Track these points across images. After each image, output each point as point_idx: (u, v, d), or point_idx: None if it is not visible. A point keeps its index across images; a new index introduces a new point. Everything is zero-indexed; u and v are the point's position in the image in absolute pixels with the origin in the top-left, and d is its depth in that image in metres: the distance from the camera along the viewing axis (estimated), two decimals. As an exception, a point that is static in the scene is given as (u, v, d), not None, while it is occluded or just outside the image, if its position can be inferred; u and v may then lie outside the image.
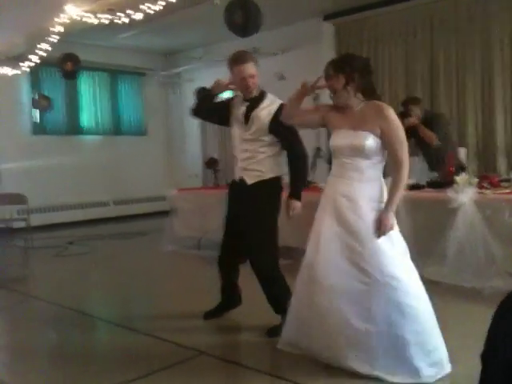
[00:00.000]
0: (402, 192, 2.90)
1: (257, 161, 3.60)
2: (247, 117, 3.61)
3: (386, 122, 2.89)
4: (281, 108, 3.47)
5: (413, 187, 5.05)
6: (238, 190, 3.72)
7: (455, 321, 3.76)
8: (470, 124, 7.76)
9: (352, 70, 2.92)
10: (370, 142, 2.88)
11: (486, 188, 4.64)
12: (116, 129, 11.03)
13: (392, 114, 2.92)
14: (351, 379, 2.83)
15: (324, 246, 2.94)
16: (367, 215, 2.88)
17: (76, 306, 4.57)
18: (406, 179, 2.91)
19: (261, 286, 3.65)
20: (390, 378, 2.80)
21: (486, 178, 4.87)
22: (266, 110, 3.59)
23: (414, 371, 2.79)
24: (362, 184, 2.93)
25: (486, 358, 1.63)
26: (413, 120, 5.59)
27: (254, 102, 3.62)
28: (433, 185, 5.09)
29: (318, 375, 2.89)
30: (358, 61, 3.01)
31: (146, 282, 5.52)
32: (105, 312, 4.65)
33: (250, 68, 3.57)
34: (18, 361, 3.39)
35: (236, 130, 3.71)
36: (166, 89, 11.90)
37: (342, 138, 2.99)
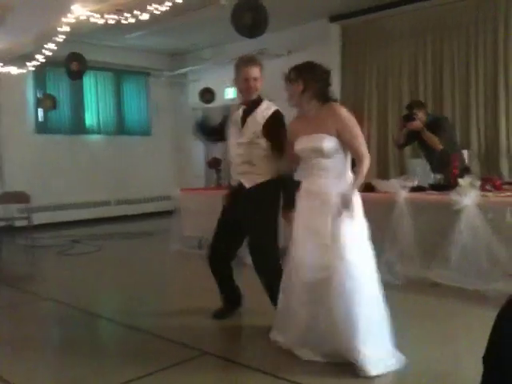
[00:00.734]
0: (363, 178, 3.12)
1: (253, 164, 3.66)
2: (244, 120, 3.69)
3: (340, 121, 3.07)
4: (275, 113, 3.65)
5: (415, 189, 5.07)
6: (236, 194, 3.79)
7: (458, 323, 3.77)
8: (473, 127, 7.77)
9: (312, 78, 3.10)
10: (328, 143, 3.07)
11: (489, 191, 4.65)
12: (121, 128, 11.05)
13: (345, 113, 3.11)
14: (357, 379, 2.85)
15: (298, 240, 3.19)
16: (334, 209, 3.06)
17: (81, 305, 4.59)
18: (367, 169, 3.10)
19: (263, 286, 3.69)
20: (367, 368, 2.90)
21: (489, 180, 4.87)
22: (262, 114, 3.67)
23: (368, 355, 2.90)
24: (328, 180, 3.12)
25: (488, 360, 1.65)
26: (416, 124, 5.60)
27: (251, 106, 3.70)
28: (436, 187, 5.10)
29: (321, 376, 2.91)
30: (318, 69, 3.16)
31: (150, 281, 5.54)
32: (110, 311, 4.68)
33: (255, 71, 3.68)
34: (24, 359, 3.40)
35: (232, 135, 3.77)
36: (172, 89, 11.93)
37: (303, 143, 3.17)
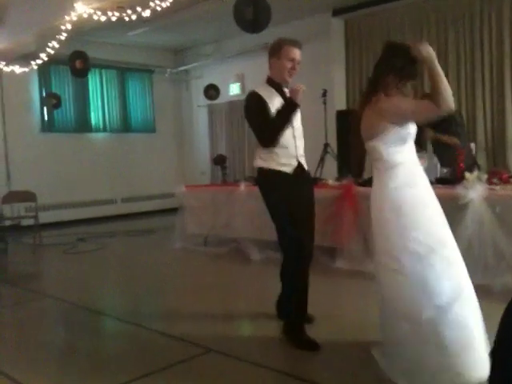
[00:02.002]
0: None
1: (303, 147, 3.60)
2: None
3: None
4: None
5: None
6: (298, 177, 3.51)
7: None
8: (479, 119, 7.73)
9: None
10: None
11: (496, 184, 4.61)
12: (125, 126, 11.06)
13: None
14: (357, 375, 2.83)
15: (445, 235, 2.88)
16: None
17: (86, 303, 4.59)
18: None
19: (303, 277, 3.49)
20: None
21: (496, 173, 4.83)
22: None
23: None
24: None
25: (495, 355, 1.63)
26: (431, 135, 5.60)
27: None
28: (442, 181, 5.06)
29: (327, 372, 2.89)
30: None
31: (155, 279, 5.54)
32: (114, 309, 4.67)
33: (300, 54, 3.54)
34: (29, 357, 3.40)
35: None
36: (175, 86, 11.93)
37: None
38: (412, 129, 2.87)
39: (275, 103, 3.42)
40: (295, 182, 3.46)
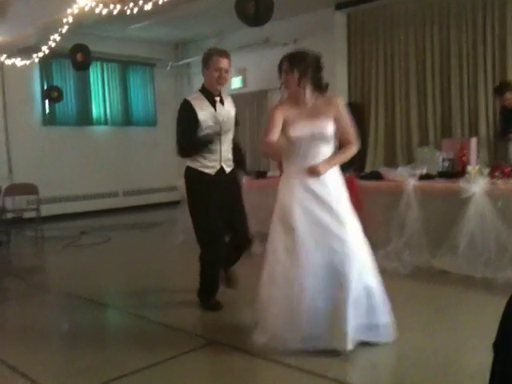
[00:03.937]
0: (344, 160, 3.20)
1: (230, 151, 3.95)
2: (222, 110, 3.89)
3: (337, 109, 3.16)
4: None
5: (424, 177, 5.03)
6: (218, 180, 3.87)
7: (467, 311, 3.76)
8: (482, 113, 7.73)
9: (306, 66, 3.10)
10: (330, 127, 3.11)
11: (498, 178, 4.61)
12: (126, 120, 11.04)
13: (340, 100, 3.24)
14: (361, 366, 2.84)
15: (304, 236, 3.06)
16: (340, 195, 3.17)
17: (90, 296, 4.61)
18: (352, 154, 3.21)
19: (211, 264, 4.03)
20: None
21: (498, 167, 4.83)
22: (230, 104, 3.96)
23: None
24: None
25: (498, 347, 1.64)
26: None
27: (221, 96, 3.90)
28: (444, 175, 5.07)
29: (326, 362, 2.91)
30: (310, 57, 3.16)
31: (158, 271, 5.55)
32: (117, 301, 4.69)
33: (228, 63, 3.84)
34: (35, 350, 3.42)
35: (212, 125, 3.83)
36: (177, 79, 11.90)
37: (303, 129, 3.10)
38: (294, 133, 3.08)
39: (204, 110, 3.80)
40: (215, 182, 3.85)
